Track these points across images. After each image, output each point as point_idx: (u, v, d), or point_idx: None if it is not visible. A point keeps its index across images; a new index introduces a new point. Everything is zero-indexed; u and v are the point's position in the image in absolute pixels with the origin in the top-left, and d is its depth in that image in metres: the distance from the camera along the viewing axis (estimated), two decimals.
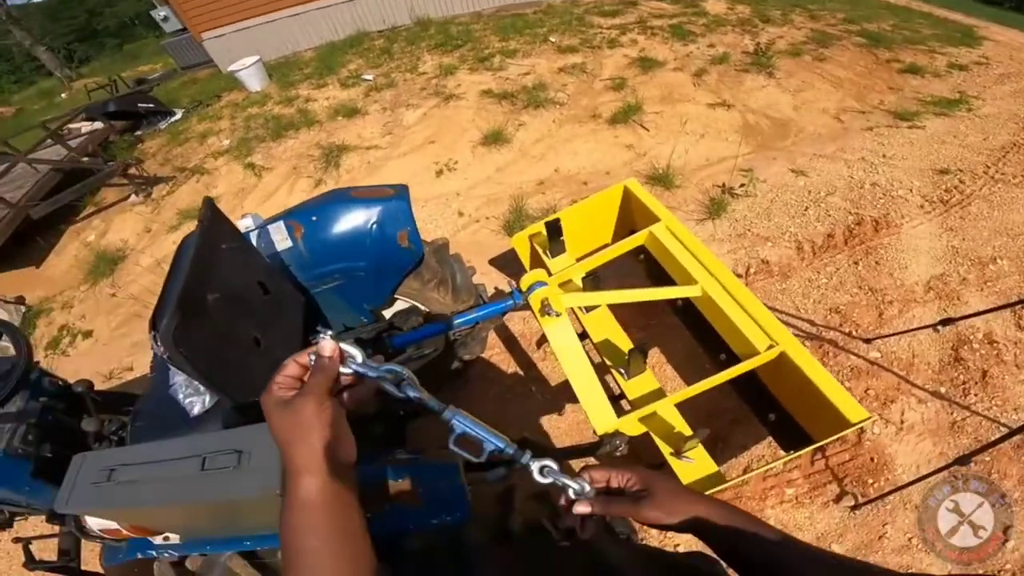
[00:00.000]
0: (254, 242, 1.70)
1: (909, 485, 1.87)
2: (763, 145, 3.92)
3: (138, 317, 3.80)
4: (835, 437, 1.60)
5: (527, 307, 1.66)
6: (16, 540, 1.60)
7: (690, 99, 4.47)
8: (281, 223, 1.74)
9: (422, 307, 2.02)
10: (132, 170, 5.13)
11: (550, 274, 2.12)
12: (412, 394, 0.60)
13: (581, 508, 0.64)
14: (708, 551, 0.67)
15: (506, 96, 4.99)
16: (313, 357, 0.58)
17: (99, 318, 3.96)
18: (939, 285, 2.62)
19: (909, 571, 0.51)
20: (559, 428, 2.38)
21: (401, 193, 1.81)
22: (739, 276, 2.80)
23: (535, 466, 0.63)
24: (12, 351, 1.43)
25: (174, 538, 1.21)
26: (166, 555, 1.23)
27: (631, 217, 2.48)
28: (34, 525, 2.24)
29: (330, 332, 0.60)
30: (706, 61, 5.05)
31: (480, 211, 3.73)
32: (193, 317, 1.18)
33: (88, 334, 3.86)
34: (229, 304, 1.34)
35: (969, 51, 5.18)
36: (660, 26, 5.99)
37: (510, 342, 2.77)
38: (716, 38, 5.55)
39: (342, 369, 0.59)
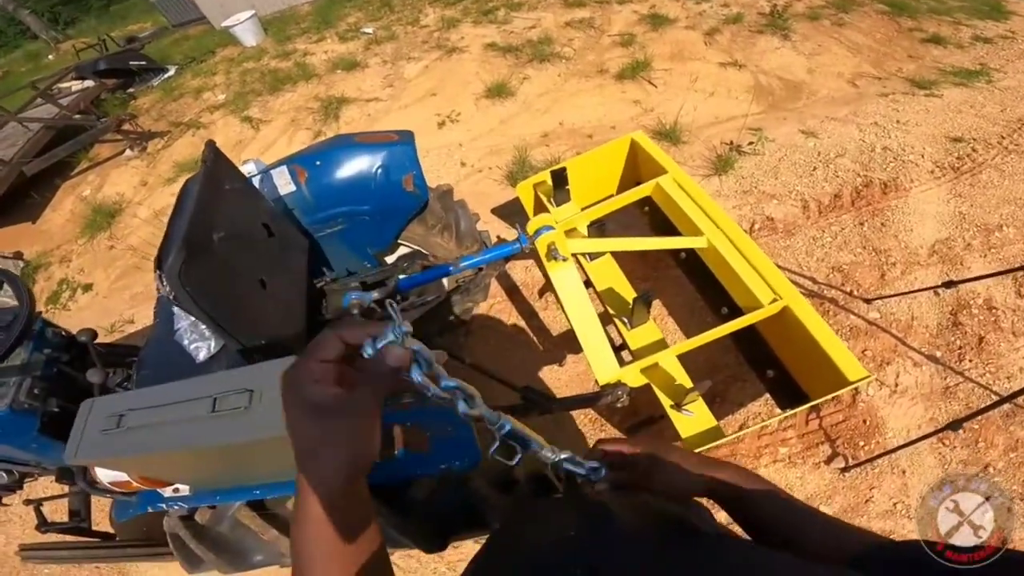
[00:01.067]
0: (258, 187, 1.67)
1: (897, 450, 1.91)
2: (774, 106, 3.83)
3: (137, 269, 3.78)
4: (833, 395, 1.60)
5: (532, 254, 1.65)
6: (27, 502, 1.59)
7: (701, 57, 4.34)
8: (284, 168, 1.71)
9: (426, 252, 2.01)
10: (126, 125, 5.10)
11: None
12: (477, 412, 0.51)
13: (600, 488, 0.64)
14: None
15: (510, 50, 4.84)
16: (369, 350, 0.44)
17: (98, 271, 3.94)
18: (943, 249, 2.61)
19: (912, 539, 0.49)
20: (559, 379, 2.41)
21: (406, 138, 1.77)
22: (745, 232, 2.81)
23: (560, 457, 0.62)
24: (12, 302, 1.38)
25: (184, 490, 1.18)
26: (176, 507, 1.21)
27: (637, 169, 2.45)
28: (44, 486, 2.28)
29: (404, 329, 0.44)
30: (719, 20, 4.87)
31: (483, 161, 3.68)
32: (198, 256, 1.15)
33: (88, 287, 3.85)
34: (235, 244, 1.32)
35: (996, 24, 4.99)
36: None
37: (512, 291, 2.76)
38: None
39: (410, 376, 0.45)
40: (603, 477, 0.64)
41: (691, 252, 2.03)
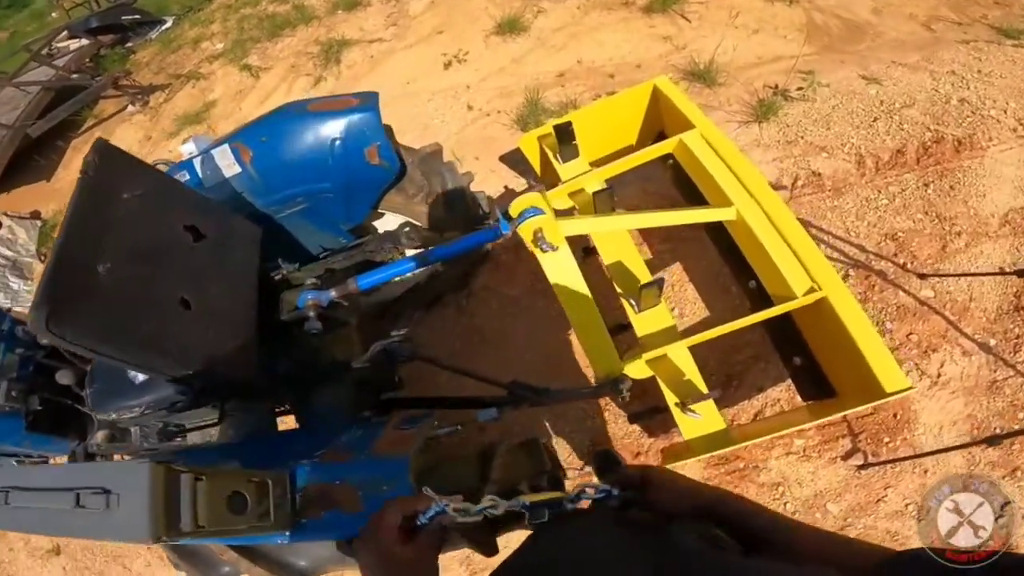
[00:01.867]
0: (198, 170, 1.47)
1: (921, 456, 1.77)
2: (830, 47, 3.28)
3: None
4: (865, 406, 1.43)
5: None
6: None
7: None
8: (226, 146, 1.49)
9: (415, 221, 1.79)
10: (123, 81, 5.02)
11: (559, 182, 1.88)
12: (502, 510, 0.66)
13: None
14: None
15: None
16: (423, 519, 0.62)
17: None
18: (1017, 219, 2.21)
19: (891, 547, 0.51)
20: (569, 346, 2.23)
21: (368, 103, 1.51)
22: (784, 188, 2.45)
23: (575, 494, 0.71)
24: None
25: None
26: None
27: (660, 120, 2.13)
28: None
29: (445, 505, 0.62)
30: None
31: (491, 104, 3.38)
32: (78, 297, 0.99)
33: None
34: (136, 267, 1.12)
35: None
36: None
37: (516, 248, 2.52)
38: None
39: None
40: (617, 497, 0.70)
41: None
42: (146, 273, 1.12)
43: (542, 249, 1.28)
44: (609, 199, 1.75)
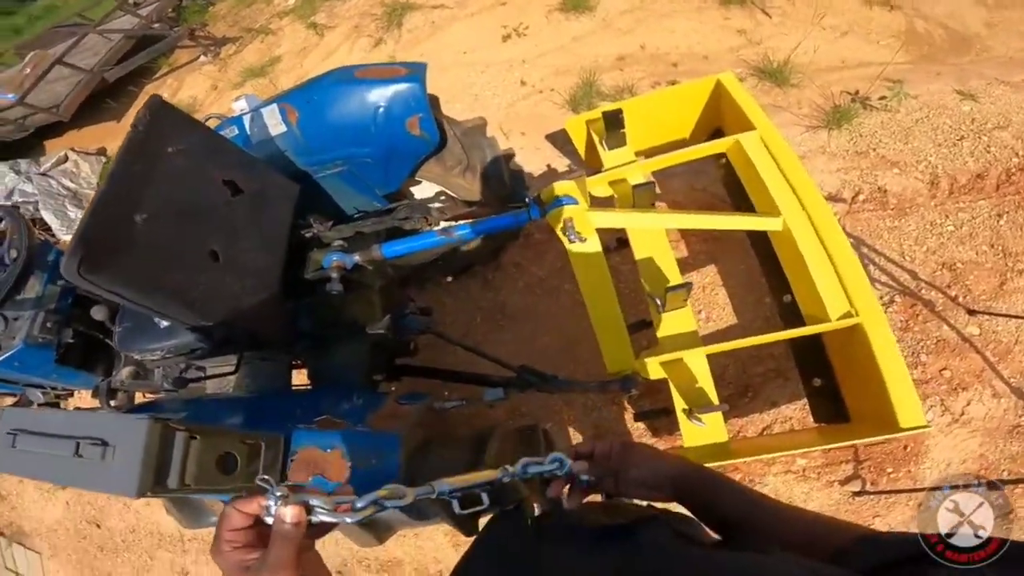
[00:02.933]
0: (247, 126, 1.52)
1: (918, 491, 1.75)
2: (927, 57, 3.00)
3: None
4: (877, 439, 1.43)
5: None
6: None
7: None
8: (275, 106, 1.53)
9: (450, 192, 1.81)
10: (199, 33, 5.21)
11: (602, 168, 1.84)
12: (410, 499, 0.56)
13: (572, 505, 0.68)
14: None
15: None
16: (268, 519, 0.51)
17: None
18: None
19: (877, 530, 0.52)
20: (583, 339, 2.18)
21: (415, 73, 1.50)
22: (842, 201, 2.31)
23: (518, 468, 0.64)
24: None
25: None
26: None
27: (718, 117, 2.03)
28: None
29: (278, 493, 0.50)
30: None
31: (545, 81, 3.30)
32: (107, 247, 1.02)
33: None
34: (173, 218, 1.16)
35: None
36: None
37: (547, 227, 2.53)
38: None
39: (313, 518, 0.52)
40: (569, 469, 0.66)
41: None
42: (181, 225, 1.17)
43: (569, 239, 1.25)
44: (650, 194, 1.69)
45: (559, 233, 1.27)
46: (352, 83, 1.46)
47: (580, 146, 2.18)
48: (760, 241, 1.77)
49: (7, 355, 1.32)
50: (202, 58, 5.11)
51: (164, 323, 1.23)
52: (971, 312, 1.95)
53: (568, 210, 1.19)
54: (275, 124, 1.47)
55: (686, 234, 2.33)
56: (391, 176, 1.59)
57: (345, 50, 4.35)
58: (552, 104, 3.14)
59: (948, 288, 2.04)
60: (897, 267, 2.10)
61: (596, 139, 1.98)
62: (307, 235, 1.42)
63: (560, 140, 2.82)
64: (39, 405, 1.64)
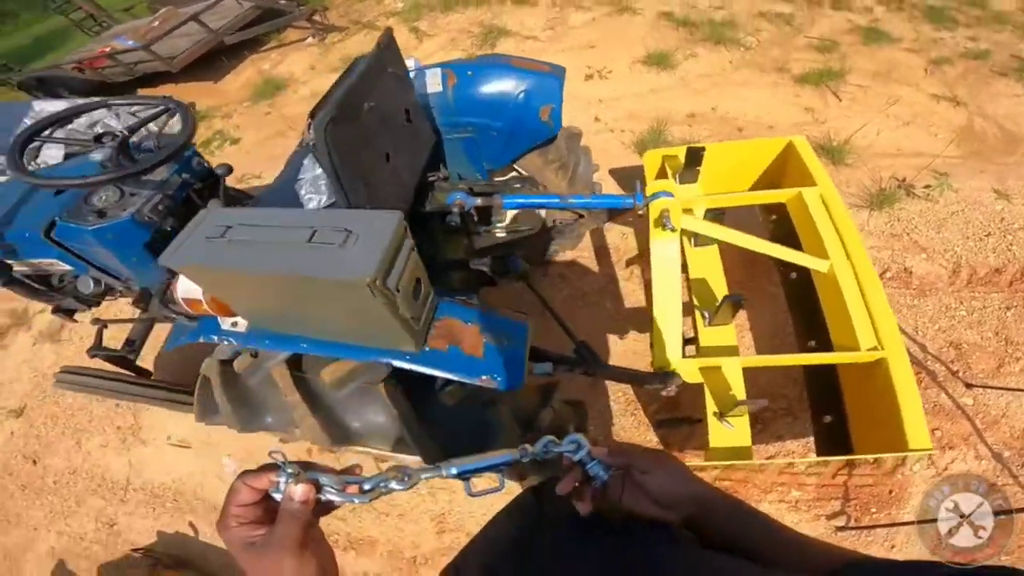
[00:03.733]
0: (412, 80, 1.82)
1: (898, 525, 1.87)
2: (977, 153, 3.25)
3: (282, 136, 4.30)
4: (885, 455, 1.56)
5: (636, 222, 1.62)
6: (95, 321, 1.66)
7: (912, 84, 3.74)
8: (438, 70, 1.84)
9: (538, 182, 2.07)
10: (316, 16, 5.63)
11: None
12: (415, 481, 0.56)
13: (584, 509, 0.63)
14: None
15: (686, 23, 4.53)
16: (276, 495, 0.52)
17: (250, 130, 4.53)
18: None
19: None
20: (613, 350, 2.40)
21: (558, 72, 1.82)
22: None
23: (537, 448, 0.62)
24: (178, 127, 1.48)
25: (241, 326, 1.18)
26: (227, 342, 1.20)
27: (784, 174, 2.27)
28: (119, 309, 2.49)
29: (290, 471, 0.51)
30: (956, 52, 4.10)
31: (618, 123, 3.59)
32: (345, 117, 1.29)
33: (236, 141, 4.45)
34: (377, 117, 1.46)
35: None
36: (914, 2, 4.90)
37: (601, 251, 2.74)
38: (984, 33, 4.39)
39: (322, 496, 0.53)
40: (586, 453, 0.63)
41: (803, 276, 1.89)
42: (380, 125, 1.48)
43: (664, 226, 1.48)
44: (719, 219, 1.92)
45: (652, 223, 1.51)
46: (508, 67, 1.78)
47: (651, 176, 2.33)
48: (796, 290, 1.94)
49: (110, 223, 1.34)
50: (309, 39, 5.52)
51: (311, 207, 1.47)
52: (968, 385, 2.16)
53: (666, 201, 1.43)
54: (434, 84, 1.79)
55: (725, 272, 2.56)
56: (507, 151, 1.88)
57: (438, 58, 4.67)
58: (620, 144, 3.40)
59: (951, 363, 2.24)
60: (909, 340, 2.30)
61: (670, 172, 2.19)
62: (430, 178, 1.70)
63: (620, 176, 3.09)
64: (86, 296, 1.66)
